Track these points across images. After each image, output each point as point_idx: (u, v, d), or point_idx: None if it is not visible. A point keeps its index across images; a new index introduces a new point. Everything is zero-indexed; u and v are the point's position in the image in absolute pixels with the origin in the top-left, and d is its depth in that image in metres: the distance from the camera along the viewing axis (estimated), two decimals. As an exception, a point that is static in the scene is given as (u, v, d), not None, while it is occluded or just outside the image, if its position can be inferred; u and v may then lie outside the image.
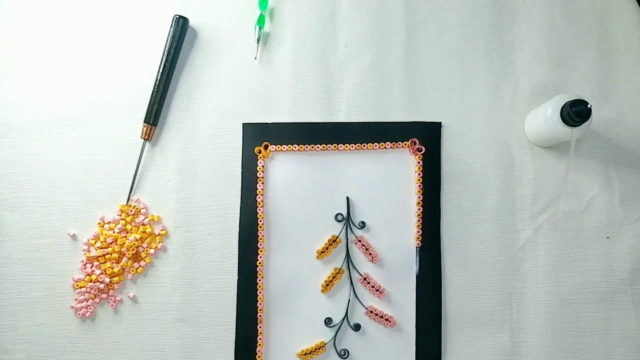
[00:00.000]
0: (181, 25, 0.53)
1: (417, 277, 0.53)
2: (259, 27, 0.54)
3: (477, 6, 0.56)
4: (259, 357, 0.52)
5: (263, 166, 0.53)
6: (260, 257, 0.53)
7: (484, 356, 0.53)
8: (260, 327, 0.52)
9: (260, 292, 0.53)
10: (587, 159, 0.54)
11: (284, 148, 0.53)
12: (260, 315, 0.52)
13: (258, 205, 0.53)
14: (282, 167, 0.54)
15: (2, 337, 0.52)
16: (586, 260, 0.53)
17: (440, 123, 0.54)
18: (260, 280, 0.53)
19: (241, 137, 0.54)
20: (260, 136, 0.54)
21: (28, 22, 0.55)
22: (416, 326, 0.52)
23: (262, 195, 0.53)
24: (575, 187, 0.54)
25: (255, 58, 0.55)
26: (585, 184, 0.54)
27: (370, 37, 0.55)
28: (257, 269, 0.53)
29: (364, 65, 0.55)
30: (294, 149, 0.53)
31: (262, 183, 0.53)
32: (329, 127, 0.54)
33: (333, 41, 0.55)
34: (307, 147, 0.53)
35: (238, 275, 0.53)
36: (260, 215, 0.53)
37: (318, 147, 0.53)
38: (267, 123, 0.54)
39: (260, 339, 0.52)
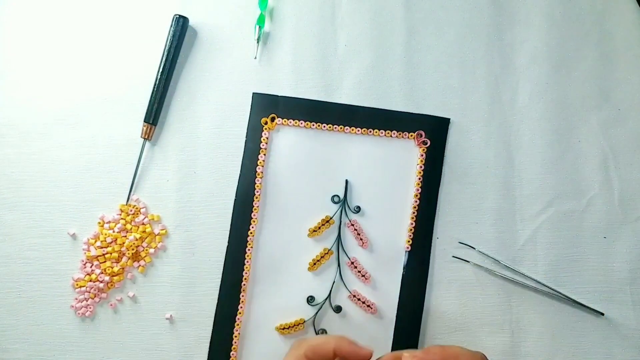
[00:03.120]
0: (181, 25, 0.53)
1: (404, 273, 0.53)
2: (259, 26, 0.54)
3: (477, 6, 0.56)
4: (238, 325, 0.52)
5: (267, 137, 0.53)
6: (253, 227, 0.53)
7: (483, 356, 0.53)
8: (242, 296, 0.53)
9: (247, 262, 0.53)
10: (586, 159, 0.55)
11: (290, 122, 0.53)
12: (244, 284, 0.53)
13: (257, 175, 0.53)
14: (287, 141, 0.54)
15: (1, 336, 0.52)
16: (585, 260, 0.54)
17: (449, 119, 0.54)
18: (249, 249, 0.53)
19: (244, 134, 0.54)
20: (268, 108, 0.54)
21: (28, 21, 0.55)
22: (397, 317, 0.53)
23: (263, 166, 0.53)
24: (575, 187, 0.54)
25: (255, 58, 0.55)
26: (585, 184, 0.54)
27: (370, 37, 0.55)
28: (248, 239, 0.53)
29: (364, 65, 0.55)
30: (301, 124, 0.53)
31: (265, 154, 0.53)
32: (337, 107, 0.54)
33: (333, 41, 0.55)
34: (313, 125, 0.53)
35: (228, 242, 0.53)
36: (258, 186, 0.53)
37: (324, 126, 0.53)
38: (277, 95, 0.54)
39: (241, 307, 0.52)
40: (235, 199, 0.53)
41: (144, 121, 0.53)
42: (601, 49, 0.55)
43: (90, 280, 0.52)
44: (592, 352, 0.53)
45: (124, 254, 0.53)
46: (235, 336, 0.52)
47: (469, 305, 0.53)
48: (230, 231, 0.53)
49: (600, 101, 0.55)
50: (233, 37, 0.55)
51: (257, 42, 0.54)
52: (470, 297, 0.53)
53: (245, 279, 0.53)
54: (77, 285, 0.52)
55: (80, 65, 0.54)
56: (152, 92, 0.53)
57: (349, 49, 0.55)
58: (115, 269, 0.53)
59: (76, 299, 0.53)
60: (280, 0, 0.55)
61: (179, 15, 0.53)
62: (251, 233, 0.53)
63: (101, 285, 0.52)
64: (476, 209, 0.54)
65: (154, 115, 0.53)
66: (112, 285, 0.53)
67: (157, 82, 0.53)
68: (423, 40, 0.55)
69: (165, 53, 0.53)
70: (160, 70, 0.53)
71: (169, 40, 0.53)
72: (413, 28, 0.55)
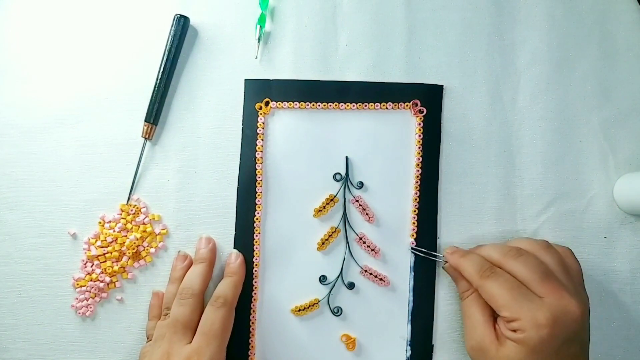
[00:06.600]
0: (182, 25, 0.53)
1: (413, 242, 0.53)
2: (260, 26, 0.54)
3: (478, 6, 0.55)
4: (254, 311, 0.53)
5: (263, 122, 0.53)
6: (258, 213, 0.53)
7: (484, 356, 0.53)
8: (255, 282, 0.53)
9: (256, 248, 0.53)
10: (586, 159, 0.55)
11: (284, 105, 0.53)
12: (255, 271, 0.53)
13: (257, 161, 0.53)
14: (283, 124, 0.54)
15: (2, 335, 0.52)
16: (586, 260, 0.54)
17: (443, 86, 0.54)
18: (257, 236, 0.53)
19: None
20: (261, 93, 0.54)
21: (28, 21, 0.55)
22: (413, 284, 0.53)
23: (262, 152, 0.53)
24: (575, 187, 0.54)
25: (257, 57, 0.55)
26: (586, 184, 0.54)
27: (371, 37, 0.55)
28: (254, 225, 0.53)
29: (365, 65, 0.55)
30: (295, 106, 0.53)
31: (262, 140, 0.53)
32: (331, 85, 0.54)
33: (334, 40, 0.55)
34: (308, 105, 0.53)
35: (235, 231, 0.53)
36: (259, 172, 0.53)
37: (319, 105, 0.53)
38: (269, 79, 0.54)
39: (255, 293, 0.53)
40: (238, 187, 0.53)
41: (145, 121, 0.53)
42: (602, 48, 0.55)
43: (91, 280, 0.52)
44: (592, 352, 0.53)
45: (124, 254, 0.53)
46: (252, 322, 0.53)
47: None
48: (236, 219, 0.53)
49: (601, 101, 0.55)
50: (234, 37, 0.55)
51: (258, 42, 0.54)
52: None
53: (256, 265, 0.53)
54: (77, 284, 0.52)
55: (80, 65, 0.54)
56: (153, 92, 0.53)
57: (350, 49, 0.55)
58: (116, 269, 0.52)
59: (77, 298, 0.53)
60: (281, 0, 0.55)
61: (180, 15, 0.53)
62: (257, 219, 0.53)
63: (102, 285, 0.52)
64: (477, 209, 0.54)
65: (155, 114, 0.53)
66: (112, 285, 0.53)
67: (157, 82, 0.53)
68: (424, 40, 0.55)
69: (166, 53, 0.53)
70: (161, 69, 0.53)
71: (169, 39, 0.53)
72: (414, 28, 0.55)
